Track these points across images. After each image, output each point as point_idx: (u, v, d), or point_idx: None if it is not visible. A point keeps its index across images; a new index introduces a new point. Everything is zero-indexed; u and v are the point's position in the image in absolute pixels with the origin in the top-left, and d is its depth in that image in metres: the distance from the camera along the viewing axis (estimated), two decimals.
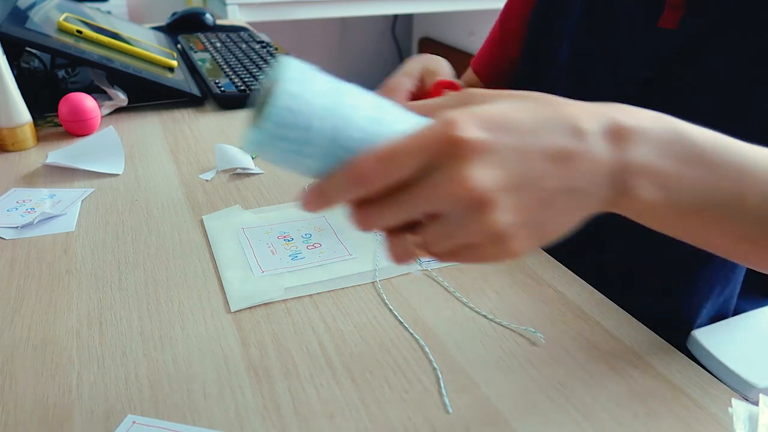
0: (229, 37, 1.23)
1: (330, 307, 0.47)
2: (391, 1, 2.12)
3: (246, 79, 0.97)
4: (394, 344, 0.43)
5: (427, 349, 0.42)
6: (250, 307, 0.46)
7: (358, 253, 0.53)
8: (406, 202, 0.29)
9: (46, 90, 0.91)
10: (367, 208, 0.30)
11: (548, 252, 0.54)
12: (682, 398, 0.38)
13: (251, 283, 0.49)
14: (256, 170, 0.70)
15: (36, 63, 0.96)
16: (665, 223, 0.36)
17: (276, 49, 1.16)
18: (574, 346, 0.42)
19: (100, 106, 0.82)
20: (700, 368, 0.41)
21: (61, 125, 0.81)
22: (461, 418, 0.37)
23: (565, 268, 0.52)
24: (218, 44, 1.18)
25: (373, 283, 0.49)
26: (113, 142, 0.74)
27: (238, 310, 0.46)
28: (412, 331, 0.44)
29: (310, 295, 0.48)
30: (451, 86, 0.48)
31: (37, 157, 0.73)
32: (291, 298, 0.47)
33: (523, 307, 0.47)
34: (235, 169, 0.70)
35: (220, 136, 0.80)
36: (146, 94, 0.93)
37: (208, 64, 1.05)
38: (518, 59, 0.74)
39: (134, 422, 0.36)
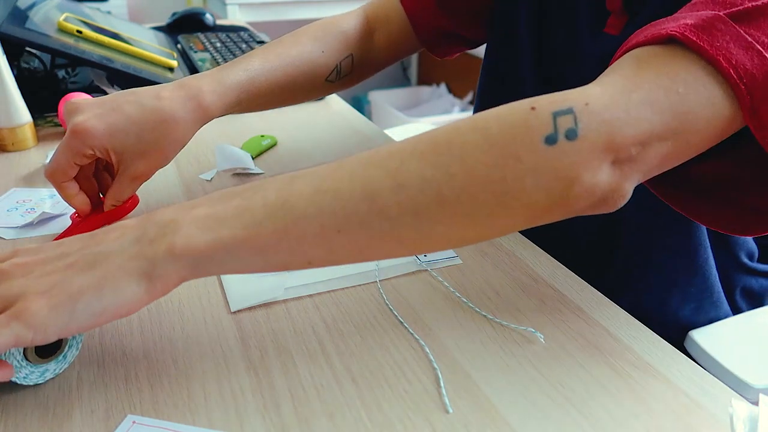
0: (229, 37, 1.23)
1: (330, 307, 0.47)
2: None
3: None
4: (394, 344, 0.43)
5: (427, 349, 0.42)
6: (250, 308, 0.46)
7: None
8: None
9: (46, 90, 0.91)
10: None
11: (548, 251, 0.54)
12: (682, 398, 0.38)
13: (252, 282, 0.49)
14: (256, 170, 0.70)
15: (36, 63, 0.96)
16: (231, 263, 0.37)
17: None
18: (574, 346, 0.43)
19: None
20: (700, 368, 0.41)
21: (61, 125, 0.81)
22: (461, 418, 0.37)
23: (566, 268, 0.52)
24: (218, 44, 1.18)
25: (373, 283, 0.49)
26: None
27: (238, 310, 0.46)
28: (412, 331, 0.44)
29: (310, 295, 0.48)
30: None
31: (37, 157, 0.73)
32: (291, 298, 0.47)
33: (523, 307, 0.47)
34: (235, 169, 0.70)
35: (220, 136, 0.80)
36: None
37: (208, 64, 1.05)
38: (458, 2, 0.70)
39: (134, 422, 0.36)
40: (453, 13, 0.71)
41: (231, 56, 1.10)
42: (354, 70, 0.72)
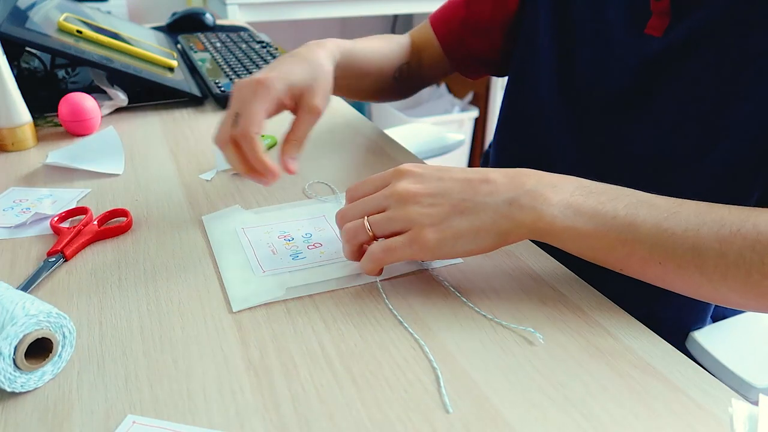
0: (229, 37, 1.23)
1: (330, 307, 0.47)
2: (391, 1, 2.12)
3: None
4: (394, 344, 0.43)
5: (426, 349, 0.42)
6: (250, 308, 0.46)
7: None
8: (365, 202, 0.48)
9: (46, 90, 0.91)
10: (346, 207, 0.50)
11: (548, 251, 0.54)
12: (682, 398, 0.38)
13: (253, 283, 0.49)
14: None
15: (36, 63, 0.96)
16: (575, 246, 0.45)
17: (276, 49, 1.16)
18: (574, 346, 0.43)
19: (100, 106, 0.82)
20: (700, 368, 0.40)
21: (61, 125, 0.81)
22: (461, 418, 0.37)
23: (566, 268, 0.52)
24: (218, 44, 1.18)
25: (373, 283, 0.49)
26: (113, 142, 0.74)
27: (239, 311, 0.46)
28: (412, 331, 0.44)
29: (310, 295, 0.48)
30: None
31: (37, 157, 0.73)
32: (291, 298, 0.47)
33: (523, 307, 0.47)
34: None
35: None
36: (146, 94, 0.93)
37: (208, 64, 1.05)
38: (481, 26, 0.76)
39: (134, 422, 0.36)
40: (477, 34, 0.77)
41: (231, 56, 1.10)
42: (406, 79, 0.81)
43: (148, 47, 0.98)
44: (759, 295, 0.41)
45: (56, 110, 0.79)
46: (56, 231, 0.56)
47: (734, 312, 0.64)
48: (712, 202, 0.45)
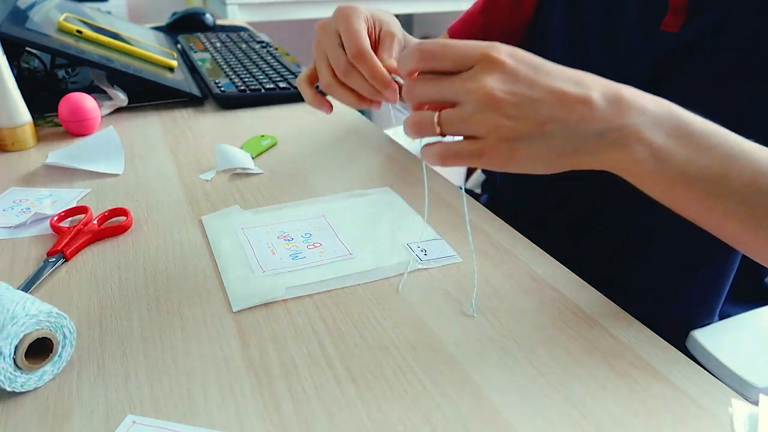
0: (229, 37, 1.23)
1: (330, 307, 0.47)
2: (391, 1, 2.12)
3: (246, 79, 0.97)
4: (394, 344, 0.43)
5: (426, 349, 0.42)
6: (250, 308, 0.46)
7: (358, 252, 0.53)
8: (440, 85, 0.40)
9: (46, 90, 0.91)
10: (416, 81, 0.41)
11: (548, 252, 0.54)
12: (682, 398, 0.38)
13: (253, 282, 0.49)
14: (256, 170, 0.70)
15: (36, 63, 0.96)
16: (653, 189, 0.41)
17: (276, 49, 1.16)
18: (574, 346, 0.43)
19: (100, 106, 0.82)
20: (700, 368, 0.40)
21: (61, 125, 0.81)
22: (461, 418, 0.37)
23: (566, 268, 0.52)
24: (218, 44, 1.18)
25: (373, 283, 0.49)
26: (113, 142, 0.74)
27: (239, 311, 0.46)
28: (412, 331, 0.44)
29: (310, 295, 0.48)
30: None
31: (37, 157, 0.73)
32: (291, 299, 0.47)
33: (523, 307, 0.47)
34: (235, 169, 0.70)
35: (220, 136, 0.80)
36: (146, 94, 0.93)
37: (208, 64, 1.05)
38: (503, 30, 0.75)
39: (134, 422, 0.36)
40: (497, 39, 0.77)
41: (231, 56, 1.10)
42: None
43: (148, 47, 0.98)
44: None
45: (56, 110, 0.79)
46: (56, 231, 0.56)
47: (738, 310, 0.64)
48: None
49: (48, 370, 0.39)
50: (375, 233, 0.56)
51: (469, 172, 1.08)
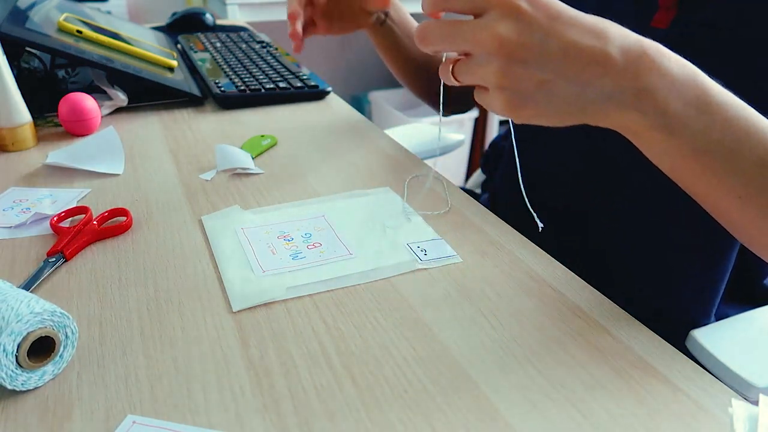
0: (229, 37, 1.23)
1: (330, 307, 0.47)
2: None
3: (246, 79, 0.97)
4: (394, 344, 0.43)
5: (426, 349, 0.42)
6: (250, 308, 0.46)
7: (358, 252, 0.53)
8: (453, 33, 0.38)
9: (46, 90, 0.91)
10: (431, 24, 0.40)
11: (547, 251, 0.54)
12: (682, 398, 0.38)
13: (253, 283, 0.49)
14: (256, 170, 0.70)
15: (36, 63, 0.96)
16: (662, 160, 0.41)
17: (276, 49, 1.16)
18: (574, 346, 0.43)
19: (100, 106, 0.82)
20: (700, 368, 0.40)
21: (61, 125, 0.81)
22: (461, 418, 0.37)
23: (565, 268, 0.52)
24: (218, 44, 1.18)
25: (373, 283, 0.49)
26: (113, 142, 0.74)
27: (239, 310, 0.46)
28: (412, 331, 0.44)
29: (310, 294, 0.48)
30: None
31: (37, 157, 0.73)
32: (291, 298, 0.47)
33: (523, 307, 0.47)
34: (235, 169, 0.70)
35: (220, 136, 0.80)
36: (146, 94, 0.93)
37: (208, 64, 1.05)
38: None
39: (134, 422, 0.36)
40: None
41: (231, 56, 1.10)
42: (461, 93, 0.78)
43: (148, 47, 0.98)
44: None
45: (56, 110, 0.79)
46: (56, 231, 0.56)
47: (736, 311, 0.64)
48: None
49: (49, 370, 0.39)
50: (375, 233, 0.56)
51: (469, 172, 1.08)
